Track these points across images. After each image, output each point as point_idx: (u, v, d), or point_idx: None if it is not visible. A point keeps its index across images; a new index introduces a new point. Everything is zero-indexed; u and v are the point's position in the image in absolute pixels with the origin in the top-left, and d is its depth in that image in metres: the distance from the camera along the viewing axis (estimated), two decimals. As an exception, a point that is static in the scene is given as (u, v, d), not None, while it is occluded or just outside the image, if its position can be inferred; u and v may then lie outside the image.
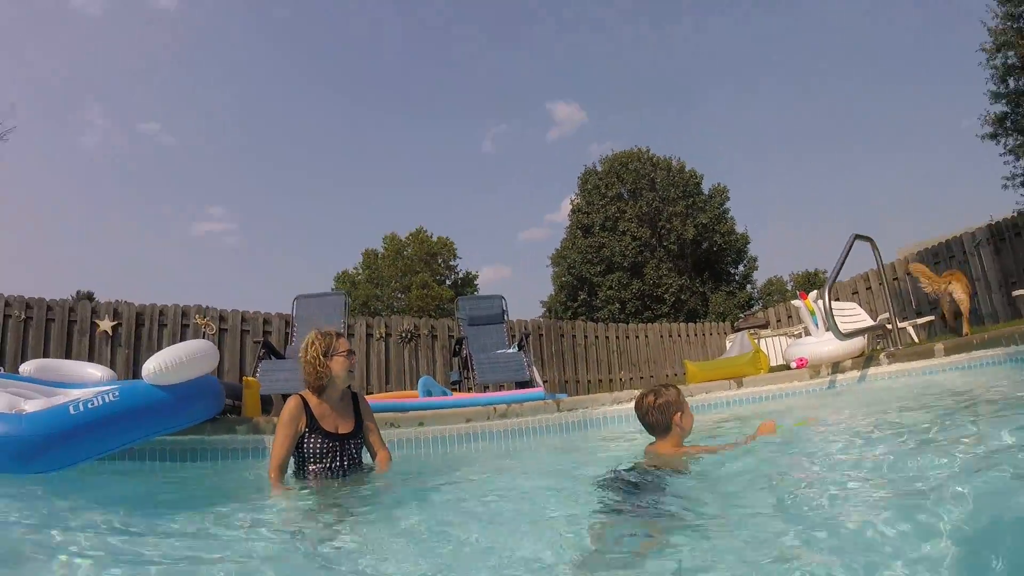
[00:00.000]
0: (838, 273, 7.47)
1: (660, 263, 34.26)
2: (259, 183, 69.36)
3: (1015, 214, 13.33)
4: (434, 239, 47.42)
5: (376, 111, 70.50)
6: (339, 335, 4.29)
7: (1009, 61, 23.87)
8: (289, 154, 68.81)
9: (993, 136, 25.37)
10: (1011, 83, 24.30)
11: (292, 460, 4.09)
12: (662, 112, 67.48)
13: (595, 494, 3.32)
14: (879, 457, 3.54)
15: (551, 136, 67.46)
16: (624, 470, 3.66)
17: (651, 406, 3.98)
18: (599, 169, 37.48)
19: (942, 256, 13.97)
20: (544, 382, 9.75)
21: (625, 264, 34.19)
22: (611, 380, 15.65)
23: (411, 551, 2.67)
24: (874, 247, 8.10)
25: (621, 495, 3.30)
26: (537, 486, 3.94)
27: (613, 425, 6.71)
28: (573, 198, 38.13)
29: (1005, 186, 25.72)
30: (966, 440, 3.48)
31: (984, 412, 4.51)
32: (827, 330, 8.70)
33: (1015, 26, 23.27)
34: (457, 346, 10.46)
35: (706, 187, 37.00)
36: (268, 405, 6.99)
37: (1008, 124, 24.75)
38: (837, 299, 11.25)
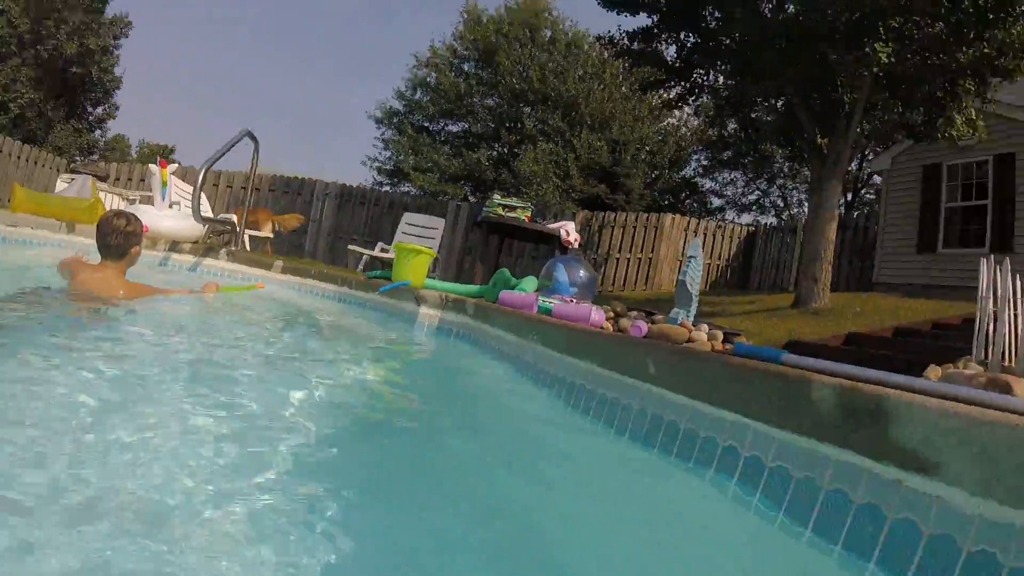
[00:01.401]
0: (219, 158, 7.20)
1: (23, 66, 29.01)
2: None
3: (359, 185, 16.89)
4: None
5: None
6: None
7: (428, 79, 28.61)
8: None
9: (378, 122, 29.66)
10: (418, 93, 29.00)
11: None
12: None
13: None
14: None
15: None
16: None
17: (122, 229, 3.89)
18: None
19: (293, 189, 16.18)
20: None
21: (-20, 48, 28.15)
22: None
23: None
24: (256, 150, 8.16)
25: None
26: None
27: None
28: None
29: (364, 163, 31.36)
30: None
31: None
32: (170, 206, 8.49)
33: (451, 59, 28.43)
34: None
35: (110, 11, 32.57)
36: None
37: (395, 121, 29.09)
38: (183, 180, 11.03)
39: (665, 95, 13.93)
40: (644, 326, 4.50)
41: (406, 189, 27.07)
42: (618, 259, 14.88)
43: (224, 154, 7.23)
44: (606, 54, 20.24)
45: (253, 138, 7.73)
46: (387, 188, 27.38)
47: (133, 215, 3.99)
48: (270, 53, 77.97)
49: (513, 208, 8.30)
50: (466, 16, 28.58)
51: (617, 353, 2.60)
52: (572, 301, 4.71)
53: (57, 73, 30.38)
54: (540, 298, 4.56)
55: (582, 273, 5.07)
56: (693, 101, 13.26)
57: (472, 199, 24.80)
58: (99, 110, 34.64)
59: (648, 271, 14.87)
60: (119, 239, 3.86)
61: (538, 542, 1.62)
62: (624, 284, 14.75)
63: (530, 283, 5.27)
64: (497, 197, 8.61)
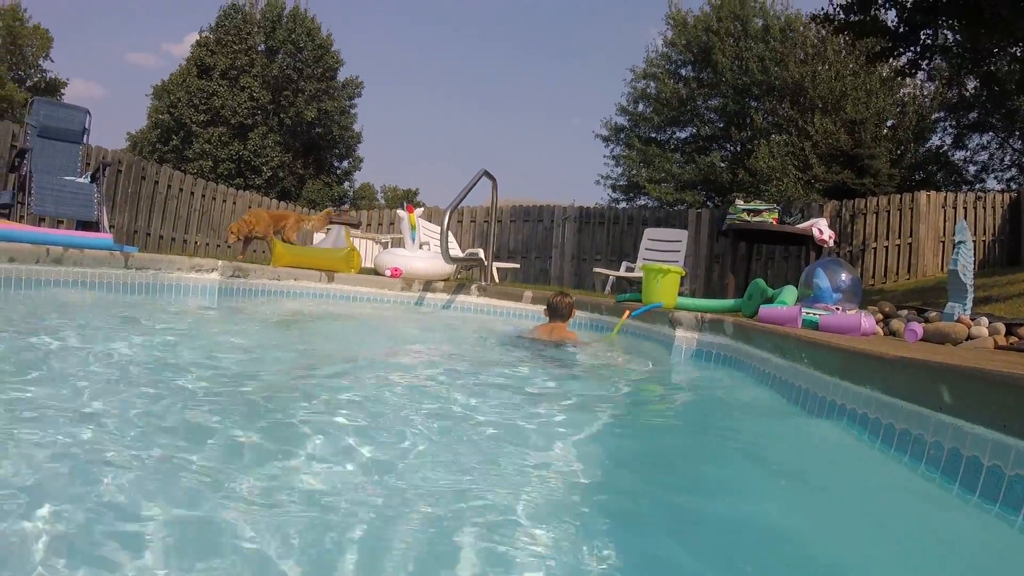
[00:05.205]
0: (462, 200, 7.53)
1: (269, 132, 32.26)
2: None
3: (597, 205, 16.81)
4: (29, 25, 37.90)
5: None
6: None
7: (648, 89, 28.56)
8: None
9: (605, 140, 29.84)
10: (640, 106, 28.95)
11: None
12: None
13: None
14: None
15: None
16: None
17: (570, 301, 5.74)
18: (247, 10, 33.93)
19: (532, 217, 16.23)
20: (111, 227, 8.56)
21: (233, 122, 31.59)
22: (186, 241, 14.11)
23: None
24: (494, 187, 8.38)
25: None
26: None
27: (186, 295, 6.12)
28: (203, 31, 34.24)
29: (597, 182, 31.06)
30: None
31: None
32: (420, 247, 8.94)
33: (667, 66, 27.96)
34: (17, 159, 8.36)
35: (342, 75, 35.69)
36: None
37: (622, 137, 29.34)
38: (428, 220, 11.54)
39: (895, 63, 12.93)
40: (919, 328, 4.17)
41: (643, 202, 27.12)
42: (875, 248, 13.88)
43: (466, 194, 7.53)
44: (824, 32, 19.23)
45: (490, 177, 8.00)
46: (623, 204, 27.73)
47: (569, 294, 5.96)
48: (488, 92, 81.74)
49: (758, 212, 8.00)
50: (672, 22, 28.31)
51: (901, 378, 2.37)
52: (838, 309, 4.45)
53: (301, 136, 33.55)
54: (803, 310, 4.34)
55: (844, 276, 4.78)
56: (926, 65, 12.22)
57: (711, 204, 24.31)
58: (344, 164, 37.78)
59: (909, 258, 13.79)
60: (565, 309, 5.63)
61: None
62: (885, 275, 13.74)
63: (789, 294, 5.03)
64: (740, 202, 8.32)
